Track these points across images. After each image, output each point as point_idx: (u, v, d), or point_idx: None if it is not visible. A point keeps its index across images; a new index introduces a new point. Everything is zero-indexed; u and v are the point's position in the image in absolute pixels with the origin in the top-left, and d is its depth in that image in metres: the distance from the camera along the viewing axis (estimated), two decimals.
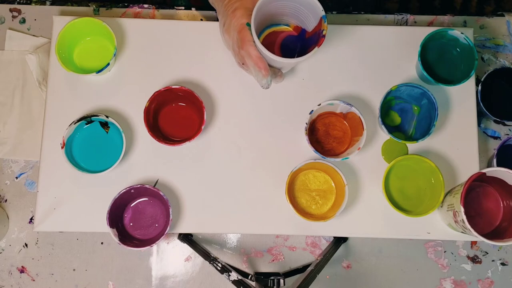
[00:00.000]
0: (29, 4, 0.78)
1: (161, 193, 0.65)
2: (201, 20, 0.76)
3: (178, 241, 0.71)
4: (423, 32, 0.69)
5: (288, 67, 0.68)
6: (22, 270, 0.71)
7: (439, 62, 0.71)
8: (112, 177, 0.68)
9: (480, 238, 0.59)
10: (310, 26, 0.64)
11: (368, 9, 0.91)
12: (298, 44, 0.69)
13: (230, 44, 0.65)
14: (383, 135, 0.70)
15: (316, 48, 0.59)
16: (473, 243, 0.71)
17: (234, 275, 0.61)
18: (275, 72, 0.65)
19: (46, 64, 0.74)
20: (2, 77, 0.75)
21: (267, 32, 0.69)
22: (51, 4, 0.77)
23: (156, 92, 0.66)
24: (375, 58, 0.72)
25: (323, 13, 0.59)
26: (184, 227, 0.68)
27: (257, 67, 0.61)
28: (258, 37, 0.68)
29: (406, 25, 0.77)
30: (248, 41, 0.60)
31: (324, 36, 0.59)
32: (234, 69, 0.71)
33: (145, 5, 0.76)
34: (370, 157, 0.69)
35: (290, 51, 0.69)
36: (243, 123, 0.71)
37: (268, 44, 0.69)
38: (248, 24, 0.60)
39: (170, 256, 0.71)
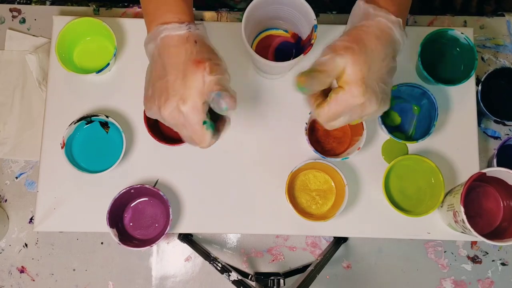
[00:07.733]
0: (29, 4, 0.78)
1: (161, 193, 0.65)
2: (201, 20, 0.76)
3: (178, 241, 0.71)
4: (423, 32, 0.69)
5: (277, 71, 0.67)
6: (22, 270, 0.71)
7: (439, 62, 0.71)
8: (112, 177, 0.68)
9: (480, 238, 0.59)
10: (304, 33, 0.64)
11: None
12: (294, 50, 0.69)
13: (154, 110, 0.53)
14: (383, 135, 0.70)
15: (301, 56, 0.59)
16: (473, 243, 0.71)
17: (234, 275, 0.61)
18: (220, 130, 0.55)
19: (46, 64, 0.74)
20: (2, 77, 0.75)
21: (264, 34, 0.70)
22: (51, 4, 0.77)
23: None
24: None
25: (315, 22, 0.59)
26: (184, 227, 0.68)
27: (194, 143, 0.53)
28: (254, 38, 0.69)
29: (406, 25, 0.76)
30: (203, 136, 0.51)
31: (311, 44, 0.59)
32: (234, 69, 0.70)
33: None
34: (370, 157, 0.69)
35: (285, 56, 0.69)
36: (243, 123, 0.70)
37: (263, 47, 0.69)
38: (205, 122, 0.50)
39: (170, 256, 0.71)
